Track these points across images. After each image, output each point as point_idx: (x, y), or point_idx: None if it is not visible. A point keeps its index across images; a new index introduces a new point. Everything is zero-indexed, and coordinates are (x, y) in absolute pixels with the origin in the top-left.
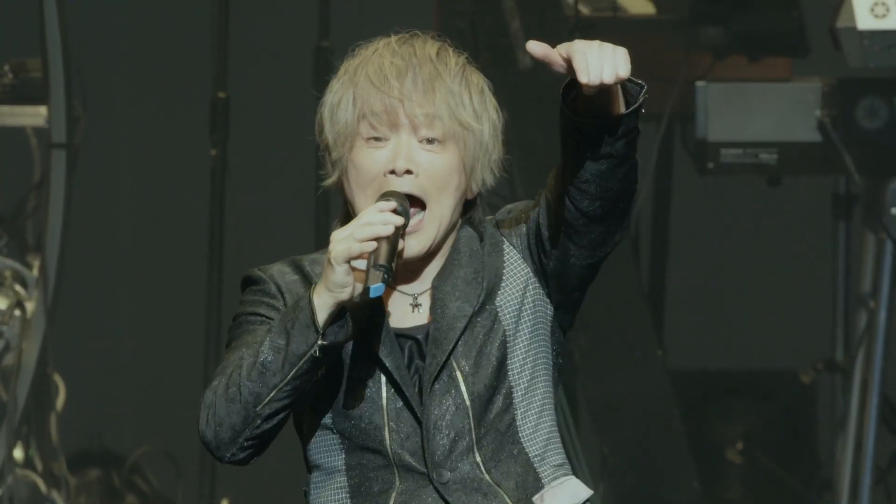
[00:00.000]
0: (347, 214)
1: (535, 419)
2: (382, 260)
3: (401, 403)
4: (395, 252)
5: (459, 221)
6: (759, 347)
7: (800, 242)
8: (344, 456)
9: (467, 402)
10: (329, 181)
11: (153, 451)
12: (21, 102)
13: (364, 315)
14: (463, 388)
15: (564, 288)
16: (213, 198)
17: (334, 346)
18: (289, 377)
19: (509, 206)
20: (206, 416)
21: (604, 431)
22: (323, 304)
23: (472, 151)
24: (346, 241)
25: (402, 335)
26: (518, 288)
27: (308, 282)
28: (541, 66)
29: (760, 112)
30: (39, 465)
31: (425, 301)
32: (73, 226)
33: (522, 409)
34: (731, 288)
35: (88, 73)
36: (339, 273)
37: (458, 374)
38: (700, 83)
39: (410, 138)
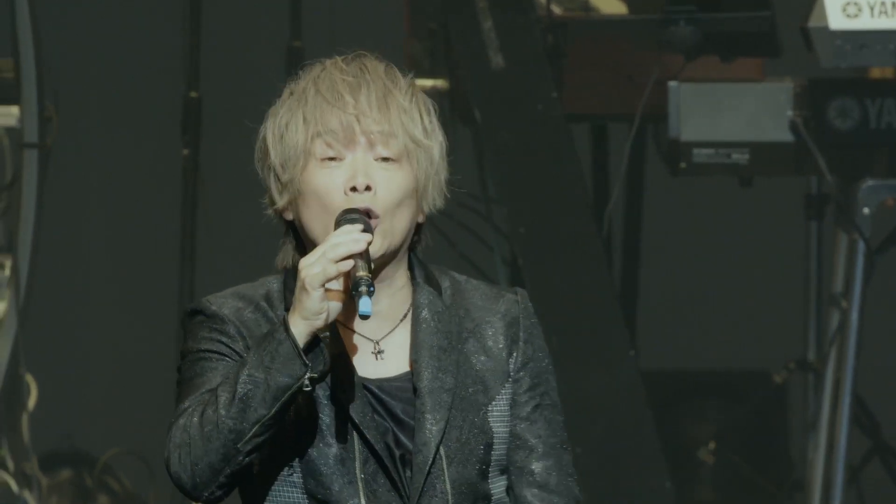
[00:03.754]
0: (298, 240)
1: None
2: (362, 272)
3: (378, 474)
4: (370, 266)
5: (410, 256)
6: (731, 347)
7: (772, 242)
8: None
9: (448, 488)
10: (279, 205)
11: (125, 452)
12: None
13: (337, 374)
14: (446, 475)
15: None
16: (185, 198)
17: (322, 376)
18: (273, 411)
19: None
20: (179, 456)
21: (576, 432)
22: (300, 333)
23: (425, 169)
24: (318, 263)
25: (366, 387)
26: (499, 367)
27: (266, 319)
28: (513, 66)
29: (732, 112)
30: (11, 465)
31: (388, 347)
32: (45, 226)
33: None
34: (704, 288)
35: (60, 73)
36: (315, 299)
37: (444, 463)
38: (672, 83)
39: (367, 155)
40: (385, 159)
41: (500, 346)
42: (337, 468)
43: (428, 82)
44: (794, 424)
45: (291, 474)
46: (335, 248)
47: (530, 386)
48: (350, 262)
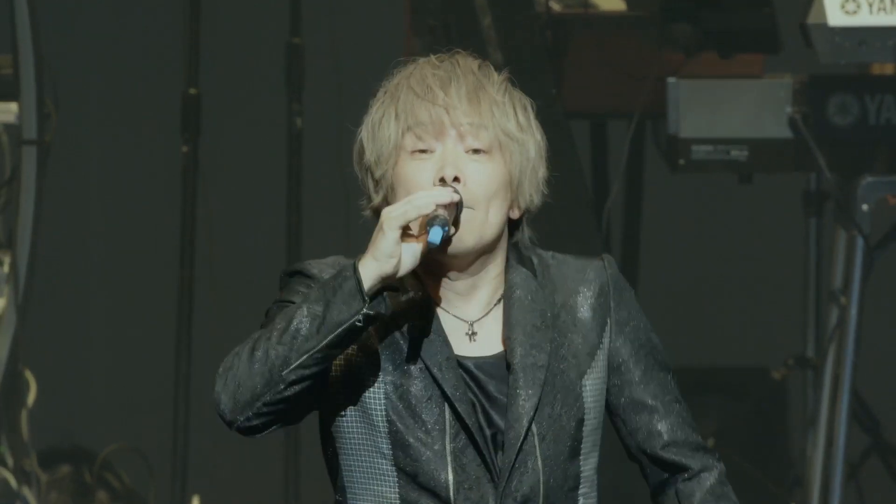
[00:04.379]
0: None
1: (589, 489)
2: (439, 214)
3: (468, 449)
4: (453, 217)
5: (507, 245)
6: (730, 344)
7: (771, 239)
8: (398, 490)
9: (541, 466)
10: (373, 203)
11: (124, 448)
12: None
13: (422, 332)
14: (538, 452)
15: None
16: (185, 195)
17: (376, 317)
18: (323, 344)
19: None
20: (224, 379)
21: None
22: (368, 274)
23: (519, 164)
24: (402, 206)
25: (460, 363)
26: (591, 339)
27: None
28: (512, 62)
29: (731, 109)
30: (10, 462)
31: (481, 330)
32: (45, 222)
33: (584, 494)
34: (703, 285)
35: (59, 69)
36: (390, 240)
37: (535, 437)
38: (671, 80)
39: (457, 147)
40: (476, 151)
41: (590, 316)
42: (426, 440)
43: None
44: (794, 421)
45: (380, 444)
46: (421, 197)
47: (634, 349)
48: (432, 207)
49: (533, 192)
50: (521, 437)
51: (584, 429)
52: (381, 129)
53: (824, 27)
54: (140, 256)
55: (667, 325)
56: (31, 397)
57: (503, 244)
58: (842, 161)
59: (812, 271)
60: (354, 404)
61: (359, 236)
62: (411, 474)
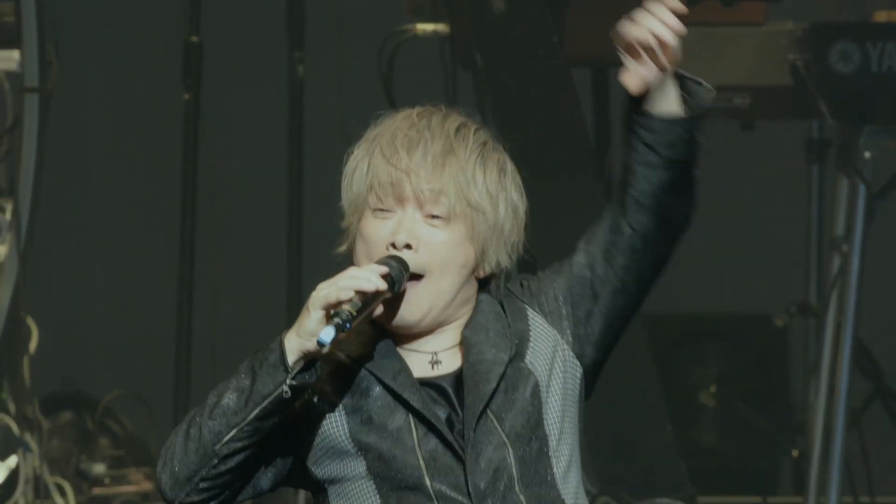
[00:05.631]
0: None
1: (565, 470)
2: (349, 307)
3: (434, 440)
4: (364, 312)
5: (474, 297)
6: (732, 291)
7: (773, 186)
8: (380, 499)
9: (506, 440)
10: (342, 248)
11: (126, 394)
12: None
13: (377, 359)
14: (500, 430)
15: (612, 328)
16: (186, 142)
17: (303, 387)
18: (251, 416)
19: (526, 277)
20: (164, 459)
21: None
22: (292, 348)
23: (483, 232)
24: (328, 287)
25: (425, 383)
26: (548, 349)
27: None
28: (514, 11)
29: (733, 56)
30: (12, 408)
31: (446, 358)
32: (46, 169)
33: (556, 458)
34: (705, 232)
35: (61, 17)
36: (314, 319)
37: (494, 419)
38: None
39: (415, 212)
40: (434, 216)
41: (545, 321)
42: (395, 443)
43: (429, 27)
44: (796, 368)
45: (358, 468)
46: (347, 279)
47: (565, 289)
48: (351, 294)
49: (500, 257)
50: (477, 416)
51: (550, 439)
52: (354, 179)
53: None
54: (141, 203)
55: (669, 272)
56: (33, 344)
57: (470, 300)
58: (844, 109)
59: (814, 219)
60: (329, 454)
61: None
62: (387, 478)
